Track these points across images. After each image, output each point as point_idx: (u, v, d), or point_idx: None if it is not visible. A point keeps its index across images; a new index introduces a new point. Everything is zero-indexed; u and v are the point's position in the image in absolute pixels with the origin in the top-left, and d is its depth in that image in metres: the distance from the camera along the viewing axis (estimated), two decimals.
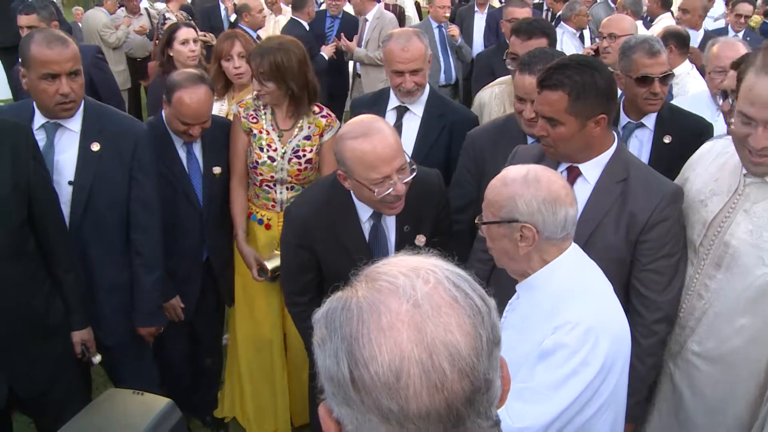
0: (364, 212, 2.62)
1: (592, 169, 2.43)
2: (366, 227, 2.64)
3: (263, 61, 3.19)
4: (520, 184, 1.88)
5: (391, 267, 0.94)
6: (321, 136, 3.38)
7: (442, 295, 0.89)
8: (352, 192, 2.55)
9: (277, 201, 3.38)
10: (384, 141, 2.35)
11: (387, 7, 7.86)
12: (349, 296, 0.92)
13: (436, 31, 6.90)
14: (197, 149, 3.36)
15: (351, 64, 7.36)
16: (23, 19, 4.78)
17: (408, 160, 2.44)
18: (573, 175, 2.46)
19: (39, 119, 2.85)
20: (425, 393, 0.85)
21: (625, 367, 1.93)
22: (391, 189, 2.37)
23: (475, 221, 2.03)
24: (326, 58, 6.81)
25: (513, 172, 1.94)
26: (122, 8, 8.88)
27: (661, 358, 2.47)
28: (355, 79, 7.19)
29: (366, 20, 7.08)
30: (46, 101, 2.76)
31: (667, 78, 3.26)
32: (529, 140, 2.97)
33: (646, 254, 2.36)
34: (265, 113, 3.37)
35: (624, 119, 3.38)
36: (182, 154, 3.32)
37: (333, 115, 3.48)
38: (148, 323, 3.12)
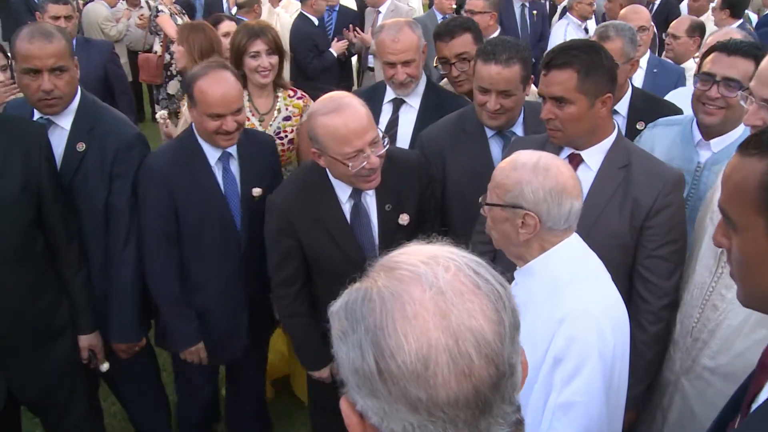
0: (343, 192, 2.64)
1: (594, 156, 2.46)
2: (346, 208, 2.66)
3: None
4: (529, 170, 1.88)
5: (408, 256, 0.94)
6: (300, 116, 3.49)
7: (463, 281, 0.90)
8: (328, 171, 2.59)
9: None
10: (355, 115, 2.41)
11: None
12: (369, 286, 0.92)
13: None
14: (234, 166, 2.96)
15: (354, 58, 7.19)
16: (60, 9, 4.86)
17: (380, 134, 2.49)
18: (575, 162, 2.48)
19: (36, 115, 2.86)
20: (453, 380, 0.85)
21: (625, 355, 1.94)
22: (365, 162, 2.42)
23: (479, 200, 2.03)
24: (335, 55, 6.68)
25: (524, 157, 1.94)
26: (123, 1, 8.79)
27: (666, 345, 2.49)
28: (365, 73, 6.98)
29: (379, 12, 6.91)
30: (29, 96, 2.76)
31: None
32: (489, 132, 2.95)
33: (652, 240, 2.39)
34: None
35: None
36: (217, 172, 2.93)
37: (307, 95, 3.61)
38: (119, 338, 2.98)
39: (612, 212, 2.38)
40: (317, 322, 2.80)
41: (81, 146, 2.84)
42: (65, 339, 2.79)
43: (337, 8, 7.21)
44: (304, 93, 3.68)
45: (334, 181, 2.63)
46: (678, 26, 5.00)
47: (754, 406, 1.35)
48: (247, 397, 3.45)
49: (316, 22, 6.83)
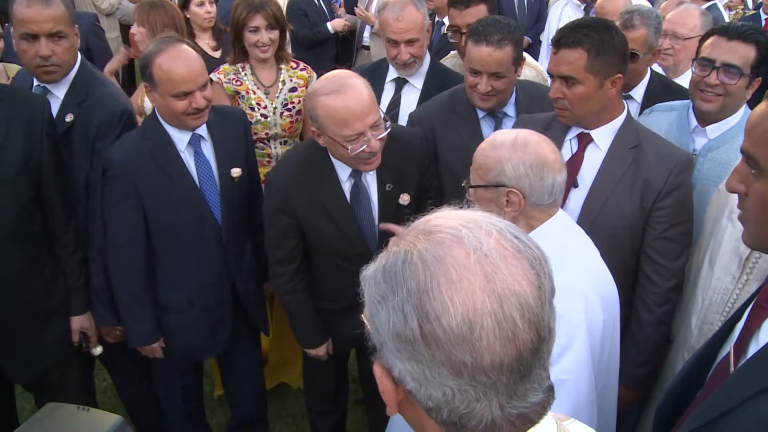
0: (343, 171, 2.61)
1: (603, 136, 2.46)
2: (346, 187, 2.63)
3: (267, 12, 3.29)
4: (507, 147, 1.90)
5: (446, 219, 0.93)
6: (306, 87, 3.47)
7: (505, 245, 0.90)
8: (328, 150, 2.55)
9: (272, 156, 3.41)
10: (357, 97, 2.35)
11: None
12: (408, 249, 0.91)
13: None
14: (207, 148, 2.79)
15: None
16: None
17: (382, 115, 2.43)
18: (584, 141, 2.49)
19: (35, 83, 2.82)
20: (498, 344, 0.85)
21: (615, 332, 1.96)
22: (365, 146, 2.38)
23: (463, 184, 2.04)
24: (330, 30, 6.57)
25: (502, 135, 1.97)
26: None
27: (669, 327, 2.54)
28: (359, 51, 6.85)
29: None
30: (27, 62, 2.71)
31: (630, 56, 3.13)
32: (480, 113, 2.93)
33: (662, 221, 2.40)
34: (245, 74, 3.41)
35: None
36: (188, 159, 2.74)
37: (309, 66, 3.60)
38: (99, 321, 2.90)
39: (622, 193, 2.39)
40: (314, 300, 2.79)
41: (69, 117, 2.78)
42: (60, 320, 2.77)
43: None
44: (306, 65, 3.68)
45: (335, 160, 2.60)
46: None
47: (752, 345, 1.42)
48: (245, 389, 3.38)
49: None
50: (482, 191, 1.95)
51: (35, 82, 2.82)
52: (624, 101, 2.55)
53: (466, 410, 0.88)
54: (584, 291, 1.81)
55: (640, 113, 3.26)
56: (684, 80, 3.58)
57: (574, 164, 2.48)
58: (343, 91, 2.35)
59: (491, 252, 0.88)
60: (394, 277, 0.90)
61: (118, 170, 2.64)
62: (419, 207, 2.68)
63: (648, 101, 3.27)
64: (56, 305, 2.74)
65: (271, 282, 2.91)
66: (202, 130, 2.74)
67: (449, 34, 3.57)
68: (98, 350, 2.92)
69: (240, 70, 3.48)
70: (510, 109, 2.96)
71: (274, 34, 3.48)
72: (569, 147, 2.53)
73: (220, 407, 3.86)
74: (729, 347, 1.52)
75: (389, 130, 2.47)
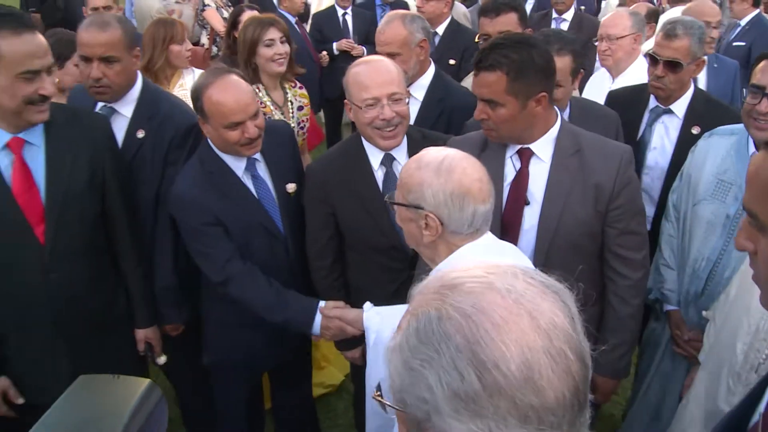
0: (375, 159, 2.76)
1: (543, 147, 2.48)
2: (379, 175, 2.78)
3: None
4: (432, 171, 1.87)
5: (466, 271, 0.94)
6: (309, 105, 3.73)
7: (532, 284, 0.92)
8: (362, 137, 2.76)
9: None
10: (380, 68, 2.66)
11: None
12: (439, 306, 0.90)
13: None
14: (262, 169, 2.90)
15: None
16: (98, 0, 5.03)
17: (406, 96, 2.67)
18: (526, 156, 2.50)
19: (99, 103, 3.04)
20: (557, 380, 0.86)
21: None
22: (380, 113, 2.58)
23: (385, 198, 2.08)
24: (335, 51, 6.91)
25: (430, 156, 1.93)
26: None
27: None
28: None
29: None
30: (85, 82, 2.94)
31: (674, 65, 3.18)
32: None
33: (620, 219, 2.46)
34: (263, 95, 3.59)
35: (652, 102, 3.34)
36: (248, 182, 2.86)
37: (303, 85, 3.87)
38: (163, 320, 3.08)
39: (575, 200, 2.41)
40: (351, 303, 2.85)
41: (140, 133, 2.99)
42: (123, 330, 2.91)
43: (349, 10, 7.30)
44: (301, 84, 3.92)
45: (368, 148, 2.77)
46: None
47: None
48: (294, 402, 3.47)
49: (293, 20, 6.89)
50: (404, 210, 1.95)
51: (99, 104, 3.05)
52: (555, 108, 2.52)
53: None
54: None
55: (681, 129, 3.25)
56: (625, 78, 3.88)
57: (521, 181, 2.49)
58: (370, 62, 2.71)
59: (525, 292, 0.90)
60: (434, 336, 0.88)
61: (191, 203, 2.76)
62: None
63: (690, 117, 3.26)
64: (118, 317, 2.87)
65: (312, 278, 3.00)
66: (256, 153, 2.85)
67: (480, 42, 3.65)
68: (162, 359, 3.05)
69: (257, 91, 3.62)
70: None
71: (287, 48, 3.70)
72: (512, 164, 2.52)
73: (267, 417, 3.95)
74: (758, 414, 1.42)
75: (408, 103, 2.69)
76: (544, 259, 2.44)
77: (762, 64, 2.55)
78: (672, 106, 3.28)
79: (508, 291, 0.89)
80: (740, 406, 1.49)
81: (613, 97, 3.62)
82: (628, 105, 3.42)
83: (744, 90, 2.62)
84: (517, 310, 0.87)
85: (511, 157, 2.51)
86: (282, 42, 3.68)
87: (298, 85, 3.93)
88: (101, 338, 2.77)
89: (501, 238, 2.21)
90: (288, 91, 3.83)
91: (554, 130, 2.47)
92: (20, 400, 2.61)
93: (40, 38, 2.41)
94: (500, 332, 0.86)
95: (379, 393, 1.02)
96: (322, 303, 2.80)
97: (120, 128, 2.97)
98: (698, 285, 2.76)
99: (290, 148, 3.07)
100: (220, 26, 7.25)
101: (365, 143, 2.78)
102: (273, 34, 3.63)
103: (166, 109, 3.06)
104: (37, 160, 2.53)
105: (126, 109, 3.03)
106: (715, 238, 2.69)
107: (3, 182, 2.46)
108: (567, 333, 0.89)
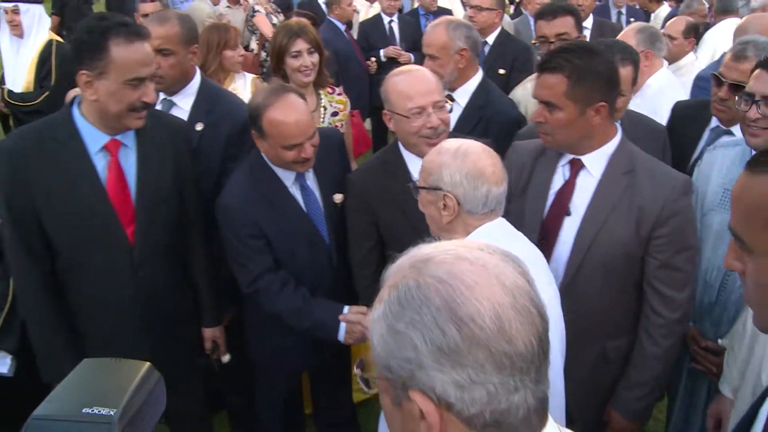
0: (414, 167, 2.75)
1: (596, 161, 2.45)
2: None
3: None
4: (450, 155, 2.06)
5: (435, 248, 1.06)
6: (345, 110, 3.75)
7: (493, 255, 1.04)
8: (400, 144, 2.81)
9: None
10: (422, 77, 2.71)
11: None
12: (414, 278, 1.01)
13: (533, 27, 6.71)
14: (311, 179, 2.93)
15: None
16: (147, 7, 5.14)
17: (448, 102, 2.73)
18: (576, 167, 2.49)
19: (161, 96, 3.17)
20: (524, 330, 0.97)
21: (556, 346, 1.99)
22: (427, 122, 2.62)
23: (409, 184, 2.22)
24: (383, 58, 7.01)
25: (448, 143, 2.13)
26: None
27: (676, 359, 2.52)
28: None
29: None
30: None
31: (739, 89, 3.02)
32: None
33: (662, 250, 2.37)
34: None
35: (714, 121, 3.27)
36: (296, 193, 2.89)
37: (343, 91, 3.89)
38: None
39: (617, 220, 2.37)
40: None
41: (199, 126, 3.11)
42: (192, 328, 3.00)
43: (395, 16, 7.44)
44: (341, 90, 3.92)
45: (406, 156, 2.80)
46: (674, 27, 5.09)
47: None
48: (335, 405, 3.49)
49: (342, 27, 7.00)
50: (424, 192, 2.11)
51: (161, 96, 3.17)
52: (616, 124, 2.49)
53: (506, 405, 0.97)
54: None
55: None
56: (642, 97, 3.81)
57: (566, 191, 2.49)
58: (411, 72, 2.77)
59: (489, 259, 1.02)
60: (415, 300, 0.99)
61: (237, 214, 2.80)
62: None
63: None
64: (189, 315, 2.96)
65: (357, 288, 3.02)
66: (308, 169, 2.89)
67: (536, 44, 3.71)
68: (226, 357, 3.11)
69: None
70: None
71: (315, 58, 3.68)
72: (562, 174, 2.52)
73: (308, 419, 3.97)
74: None
75: (451, 111, 2.76)
76: (574, 272, 2.42)
77: (756, 72, 2.56)
78: (734, 128, 3.14)
79: (477, 259, 1.01)
80: (739, 426, 1.50)
81: (679, 109, 3.56)
82: (691, 120, 3.36)
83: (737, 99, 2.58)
84: (485, 274, 0.99)
85: (562, 166, 2.51)
86: (310, 53, 3.64)
87: (337, 91, 3.93)
88: (176, 335, 2.86)
89: (538, 245, 2.24)
90: (323, 97, 3.84)
91: (611, 146, 2.44)
92: None
93: (148, 47, 2.50)
94: (473, 292, 0.97)
95: (359, 369, 1.12)
96: (345, 309, 2.84)
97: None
98: (711, 294, 2.73)
99: (339, 155, 3.09)
100: (269, 32, 7.35)
101: (403, 151, 2.81)
102: (300, 45, 3.61)
103: (225, 105, 3.18)
104: (129, 161, 2.61)
105: (185, 102, 3.16)
106: (725, 246, 2.63)
107: (99, 183, 2.54)
108: (528, 292, 1.00)
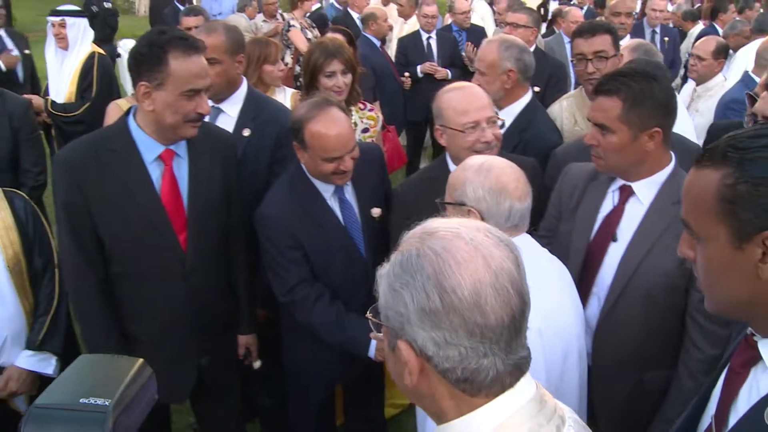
0: None
1: (646, 189, 2.43)
2: None
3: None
4: (473, 171, 2.09)
5: (443, 223, 1.21)
6: (376, 127, 3.81)
7: (489, 238, 1.17)
8: (448, 157, 2.89)
9: None
10: (475, 93, 2.79)
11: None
12: (418, 247, 1.17)
13: (567, 46, 6.75)
14: (349, 193, 2.97)
15: None
16: (190, 21, 5.23)
17: (500, 119, 2.80)
18: (625, 194, 2.47)
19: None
20: (498, 307, 1.11)
21: (570, 364, 2.01)
22: (481, 136, 2.69)
23: (436, 200, 2.22)
24: (419, 74, 7.12)
25: (473, 159, 2.17)
26: (261, 14, 9.35)
27: None
28: None
29: None
30: None
31: None
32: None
33: None
34: None
35: None
36: (334, 205, 2.94)
37: (375, 107, 3.97)
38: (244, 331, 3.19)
39: (663, 249, 2.33)
40: None
41: (246, 132, 3.21)
42: (230, 334, 3.05)
43: (434, 33, 7.50)
44: (372, 105, 3.97)
45: (453, 169, 2.82)
46: (704, 48, 5.06)
47: (732, 415, 1.43)
48: (366, 419, 3.50)
49: (378, 44, 7.13)
50: (450, 208, 2.14)
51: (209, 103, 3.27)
52: (671, 153, 2.46)
53: (476, 366, 1.12)
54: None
55: None
56: None
57: (614, 217, 2.47)
58: (464, 88, 2.83)
59: (481, 241, 1.16)
60: (412, 266, 1.15)
61: (276, 224, 2.84)
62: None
63: None
64: (230, 323, 3.01)
65: None
66: (347, 182, 2.93)
67: (574, 62, 3.74)
68: (258, 364, 3.17)
69: None
70: None
71: (348, 78, 3.72)
72: (611, 199, 2.51)
73: (339, 430, 3.95)
74: (709, 417, 1.52)
75: (504, 128, 2.82)
76: (615, 298, 2.40)
77: (764, 94, 2.63)
78: None
79: (471, 239, 1.15)
80: (690, 412, 1.59)
81: (715, 129, 3.60)
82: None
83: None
84: (475, 253, 1.13)
85: (612, 191, 2.50)
86: (343, 73, 3.67)
87: (368, 107, 3.97)
88: (220, 341, 2.94)
89: (581, 271, 2.26)
90: (354, 113, 3.85)
91: (662, 175, 2.41)
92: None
93: (204, 61, 2.58)
94: (460, 267, 1.11)
95: (371, 314, 1.26)
96: None
97: (227, 128, 3.15)
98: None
99: (379, 170, 3.13)
100: (303, 46, 7.48)
101: (451, 167, 2.79)
102: (335, 66, 3.63)
103: (270, 111, 3.29)
104: (181, 171, 2.68)
105: (232, 109, 3.26)
106: None
107: (155, 192, 2.61)
108: (512, 275, 1.14)
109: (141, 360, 1.63)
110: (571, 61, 3.88)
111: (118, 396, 1.64)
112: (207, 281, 2.78)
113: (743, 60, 5.91)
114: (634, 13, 6.67)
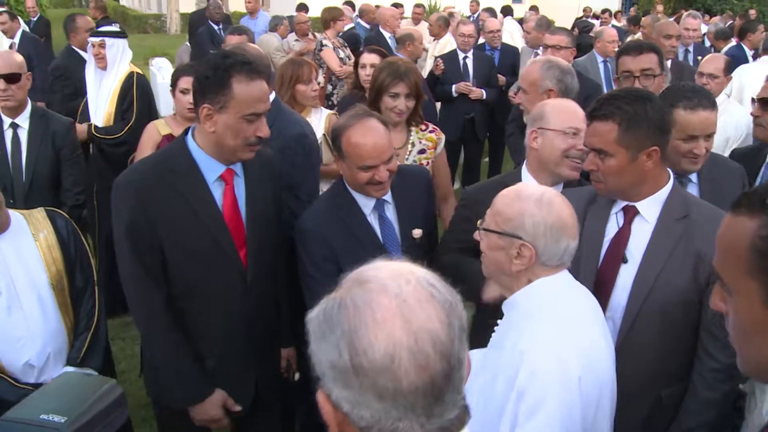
0: None
1: (650, 207, 2.45)
2: None
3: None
4: (533, 202, 1.99)
5: (377, 271, 1.16)
6: (435, 149, 3.77)
7: (421, 292, 1.12)
8: (525, 168, 2.97)
9: None
10: (578, 109, 2.87)
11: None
12: (343, 296, 1.13)
13: (601, 66, 6.75)
14: (390, 211, 2.99)
15: None
16: (234, 39, 5.29)
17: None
18: (630, 214, 2.48)
19: None
20: (413, 372, 1.06)
21: (604, 399, 2.00)
22: (577, 143, 2.77)
23: (477, 223, 2.14)
24: (454, 93, 7.23)
25: (529, 189, 2.07)
26: (293, 33, 9.47)
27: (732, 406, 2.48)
28: None
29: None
30: None
31: None
32: None
33: None
34: None
35: None
36: (374, 222, 2.96)
37: (437, 128, 3.90)
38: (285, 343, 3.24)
39: (674, 267, 2.35)
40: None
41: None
42: (276, 347, 3.11)
43: (471, 52, 7.57)
44: (435, 126, 3.91)
45: (527, 180, 2.86)
46: (716, 66, 5.06)
47: None
48: None
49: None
50: (495, 237, 2.03)
51: None
52: (668, 170, 2.49)
53: (393, 427, 1.08)
54: (559, 350, 1.87)
55: None
56: None
57: (621, 239, 2.48)
58: (570, 102, 2.98)
59: (409, 297, 1.10)
60: (331, 318, 1.12)
61: (313, 234, 2.89)
62: None
63: None
64: (277, 337, 3.07)
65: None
66: (386, 195, 2.94)
67: (620, 79, 3.78)
68: (297, 376, 3.23)
69: None
70: (693, 175, 3.01)
71: (411, 103, 3.73)
72: (615, 221, 2.52)
73: None
74: None
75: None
76: (633, 319, 2.40)
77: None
78: None
79: (397, 295, 1.10)
80: None
81: (736, 153, 3.64)
82: (749, 159, 3.40)
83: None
84: (397, 312, 1.08)
85: (616, 213, 2.51)
86: (407, 97, 3.67)
87: (430, 128, 3.93)
88: (270, 354, 3.02)
89: (593, 294, 2.23)
90: (414, 133, 3.85)
91: (664, 192, 2.45)
92: (237, 408, 2.83)
93: (265, 85, 2.62)
94: (375, 327, 1.07)
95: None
96: None
97: None
98: None
99: (424, 193, 3.13)
100: (336, 66, 7.56)
101: (525, 176, 2.89)
102: (400, 88, 3.65)
103: (279, 123, 3.26)
104: (239, 189, 2.76)
105: None
106: None
107: (217, 210, 2.69)
108: (436, 337, 1.08)
109: (112, 382, 1.71)
110: (614, 79, 3.92)
111: (76, 414, 1.81)
112: (264, 295, 2.86)
113: (737, 78, 6.03)
114: None
